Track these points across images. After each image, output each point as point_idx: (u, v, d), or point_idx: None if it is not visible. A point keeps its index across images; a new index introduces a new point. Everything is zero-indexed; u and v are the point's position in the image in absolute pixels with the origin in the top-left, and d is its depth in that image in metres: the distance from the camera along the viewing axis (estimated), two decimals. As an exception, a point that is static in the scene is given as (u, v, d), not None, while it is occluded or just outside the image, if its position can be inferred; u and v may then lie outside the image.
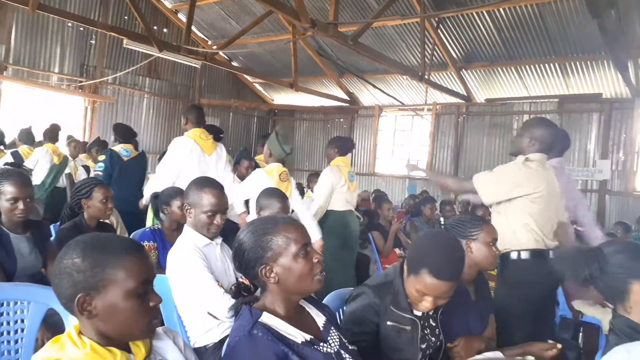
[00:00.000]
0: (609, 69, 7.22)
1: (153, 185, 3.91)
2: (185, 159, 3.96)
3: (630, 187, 7.76)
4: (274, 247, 1.39)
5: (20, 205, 2.37)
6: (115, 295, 1.09)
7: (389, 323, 1.71)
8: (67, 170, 6.10)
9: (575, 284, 1.70)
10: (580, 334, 3.78)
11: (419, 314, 1.78)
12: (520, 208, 2.65)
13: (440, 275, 1.65)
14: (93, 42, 9.26)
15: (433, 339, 1.81)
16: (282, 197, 2.95)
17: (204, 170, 4.00)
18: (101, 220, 3.04)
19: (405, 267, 1.76)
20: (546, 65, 7.73)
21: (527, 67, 7.98)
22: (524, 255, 2.63)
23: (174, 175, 3.92)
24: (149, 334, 1.20)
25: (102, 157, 4.80)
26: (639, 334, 1.36)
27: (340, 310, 2.25)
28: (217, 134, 5.56)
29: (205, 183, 2.29)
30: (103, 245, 1.12)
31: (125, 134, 4.99)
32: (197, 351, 2.14)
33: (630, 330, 1.49)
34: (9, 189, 2.36)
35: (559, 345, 1.90)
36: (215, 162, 4.17)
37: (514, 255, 2.65)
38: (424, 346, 1.75)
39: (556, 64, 7.65)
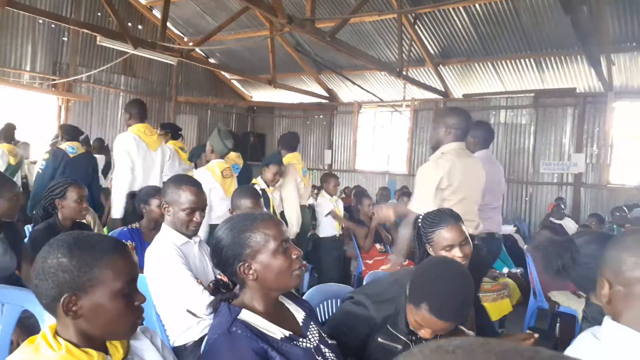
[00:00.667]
0: (583, 64, 7.36)
1: (116, 189, 3.89)
2: (134, 153, 3.96)
3: (604, 179, 7.94)
4: (253, 244, 1.39)
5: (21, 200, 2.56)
6: (102, 295, 1.07)
7: (380, 340, 1.65)
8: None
9: (549, 274, 1.73)
10: (557, 324, 3.86)
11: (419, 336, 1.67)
12: (440, 197, 2.75)
13: (441, 315, 1.49)
14: (65, 39, 9.07)
15: None
16: (254, 196, 2.95)
17: (150, 166, 4.06)
18: (77, 220, 2.99)
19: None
20: (522, 60, 7.84)
21: (503, 62, 8.08)
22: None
23: (130, 170, 3.92)
24: (133, 333, 1.19)
25: (46, 156, 4.84)
26: (611, 321, 1.39)
27: (321, 305, 2.25)
28: (175, 132, 5.67)
29: (183, 181, 2.28)
30: (90, 244, 1.10)
31: (72, 132, 5.06)
32: (177, 350, 2.13)
33: (602, 317, 1.53)
34: (12, 188, 2.46)
35: (536, 335, 1.91)
36: (161, 158, 4.20)
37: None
38: None
39: (532, 59, 7.77)
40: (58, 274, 1.05)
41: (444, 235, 2.05)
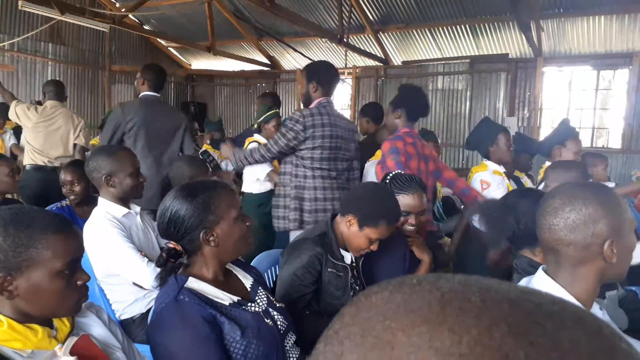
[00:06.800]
0: (514, 30, 7.61)
1: None
2: None
3: (534, 141, 8.37)
4: (216, 211, 1.41)
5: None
6: (39, 276, 1.03)
7: (329, 270, 1.90)
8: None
9: (501, 239, 1.81)
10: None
11: (348, 262, 1.99)
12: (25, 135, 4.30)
13: (395, 222, 1.96)
14: (-18, 3, 8.38)
15: (357, 288, 2.00)
16: (204, 165, 2.93)
17: None
18: (7, 196, 2.87)
19: (350, 220, 1.92)
20: (458, 26, 8.00)
21: (440, 28, 8.21)
22: (28, 167, 4.17)
23: None
24: (76, 312, 1.16)
25: None
26: (539, 271, 1.50)
27: (269, 270, 2.30)
28: None
29: (114, 148, 2.29)
30: (27, 222, 1.04)
31: None
32: (124, 323, 2.12)
33: (532, 269, 1.63)
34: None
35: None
36: None
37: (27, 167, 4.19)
38: (352, 293, 1.92)
39: (467, 26, 7.94)
40: None
41: (406, 201, 2.15)
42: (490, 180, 3.08)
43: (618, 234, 1.19)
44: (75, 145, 4.33)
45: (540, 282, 1.27)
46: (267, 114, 4.00)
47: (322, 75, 2.93)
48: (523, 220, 1.76)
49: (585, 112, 7.96)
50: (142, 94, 3.51)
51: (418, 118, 2.96)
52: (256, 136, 4.10)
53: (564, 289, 1.20)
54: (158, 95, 3.59)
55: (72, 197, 2.79)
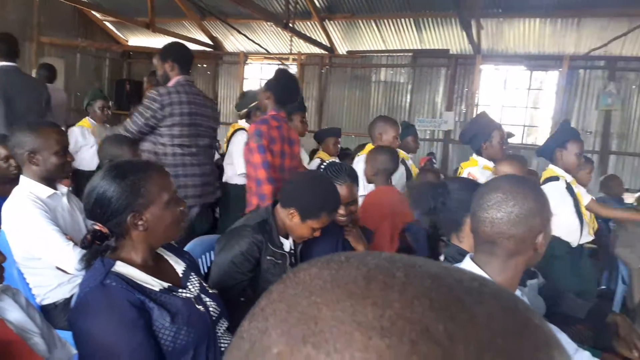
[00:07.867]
0: (456, 27, 7.82)
1: None
2: None
3: (469, 136, 8.67)
4: (146, 194, 1.34)
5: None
6: None
7: (268, 257, 1.91)
8: None
9: (420, 213, 1.92)
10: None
11: (287, 249, 2.00)
12: None
13: (335, 210, 1.99)
14: None
15: None
16: (132, 143, 2.81)
17: None
18: None
19: (292, 214, 1.93)
20: (402, 20, 8.12)
21: (385, 20, 8.30)
22: None
23: None
24: None
25: None
26: (467, 259, 1.56)
27: (204, 256, 2.24)
28: None
29: (41, 124, 2.12)
30: None
31: None
32: (46, 308, 2.02)
33: (460, 256, 1.70)
34: None
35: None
36: None
37: None
38: None
39: (411, 20, 8.07)
40: None
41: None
42: (478, 175, 3.04)
43: (546, 227, 1.25)
44: None
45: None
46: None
47: (176, 54, 2.99)
48: (440, 200, 1.83)
49: (518, 110, 8.34)
50: None
51: (286, 104, 3.06)
52: (241, 122, 4.05)
53: (490, 277, 1.25)
54: (15, 64, 3.53)
55: (14, 171, 2.49)
